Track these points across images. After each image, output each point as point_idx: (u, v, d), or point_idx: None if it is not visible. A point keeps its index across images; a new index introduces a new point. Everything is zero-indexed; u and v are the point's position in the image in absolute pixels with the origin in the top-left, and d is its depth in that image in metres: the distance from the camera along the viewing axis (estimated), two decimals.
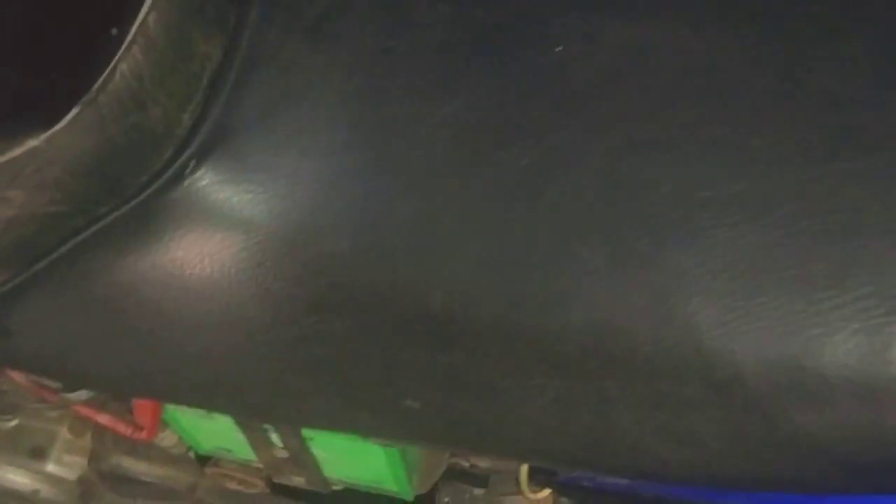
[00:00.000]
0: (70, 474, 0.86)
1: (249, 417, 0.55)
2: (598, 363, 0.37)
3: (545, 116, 0.39)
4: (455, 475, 0.81)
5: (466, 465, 0.74)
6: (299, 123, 0.41)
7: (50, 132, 0.43)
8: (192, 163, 0.43)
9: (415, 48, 0.42)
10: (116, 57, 0.43)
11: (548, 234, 0.37)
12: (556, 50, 0.39)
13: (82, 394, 0.65)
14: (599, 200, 0.37)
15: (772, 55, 0.38)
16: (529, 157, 0.38)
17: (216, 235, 0.42)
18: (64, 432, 0.85)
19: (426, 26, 0.42)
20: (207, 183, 0.42)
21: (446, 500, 0.83)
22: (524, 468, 0.57)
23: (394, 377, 0.42)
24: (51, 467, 0.85)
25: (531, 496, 0.60)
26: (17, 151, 0.44)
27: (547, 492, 0.61)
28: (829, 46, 0.37)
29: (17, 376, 0.64)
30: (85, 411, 0.69)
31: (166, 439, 0.75)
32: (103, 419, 0.68)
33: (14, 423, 0.85)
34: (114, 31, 0.44)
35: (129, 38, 0.44)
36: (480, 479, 0.81)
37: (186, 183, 0.42)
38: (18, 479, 0.86)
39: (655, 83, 0.38)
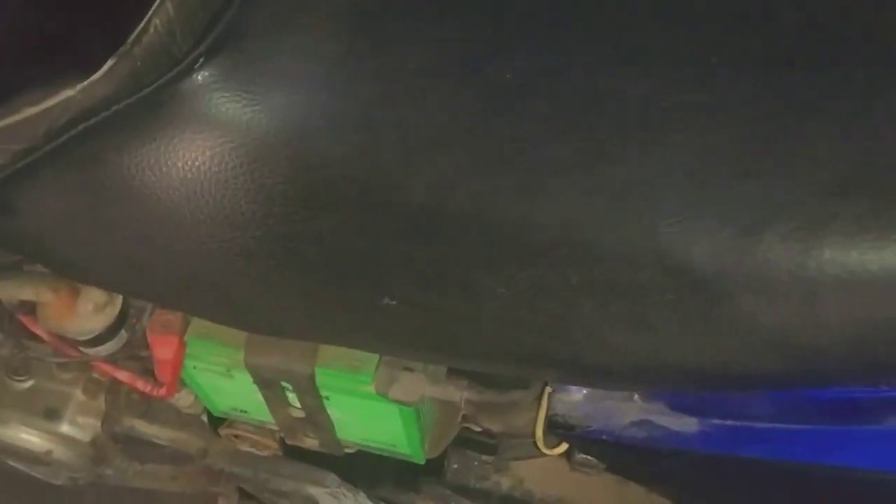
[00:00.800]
0: (84, 436, 0.87)
1: (233, 322, 0.56)
2: (564, 252, 0.41)
3: (533, 35, 0.43)
4: (464, 442, 0.82)
5: (478, 429, 0.75)
6: (304, 33, 0.44)
7: (86, 82, 0.44)
8: (202, 59, 0.44)
9: None
10: (151, 11, 0.44)
11: (525, 137, 0.41)
12: None
13: (102, 349, 0.66)
14: (575, 108, 0.41)
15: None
16: (515, 70, 0.42)
17: (217, 130, 0.44)
18: (78, 394, 0.86)
19: None
20: (213, 80, 0.44)
21: (455, 466, 0.84)
22: (540, 422, 0.58)
23: (374, 274, 0.45)
24: (65, 428, 0.86)
25: (547, 451, 0.61)
26: (53, 101, 0.45)
27: (563, 447, 0.62)
28: None
29: (41, 332, 0.65)
30: (104, 367, 0.70)
31: (182, 399, 0.76)
32: (122, 376, 0.69)
33: (29, 383, 0.86)
34: None
35: None
36: (489, 447, 0.82)
37: (194, 77, 0.44)
38: (32, 438, 0.87)
39: (631, 5, 0.43)
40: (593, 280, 0.41)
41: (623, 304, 0.41)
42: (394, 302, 0.46)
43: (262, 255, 0.46)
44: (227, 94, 0.43)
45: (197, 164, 0.44)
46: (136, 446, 0.90)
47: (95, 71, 0.44)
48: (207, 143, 0.44)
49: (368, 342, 0.55)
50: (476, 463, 0.83)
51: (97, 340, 0.64)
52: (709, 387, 0.49)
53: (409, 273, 0.44)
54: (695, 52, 0.41)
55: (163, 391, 0.67)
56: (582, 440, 0.55)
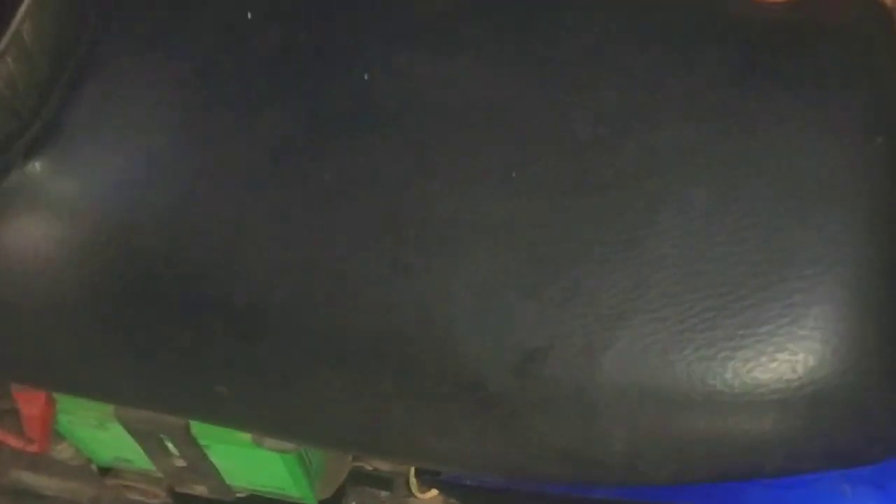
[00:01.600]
0: None
1: (75, 393, 0.56)
2: (375, 361, 0.42)
3: (350, 137, 0.44)
4: (360, 479, 0.81)
5: (370, 468, 0.74)
6: (127, 125, 0.45)
7: None
8: (21, 155, 0.44)
9: (241, 64, 0.46)
10: None
11: (342, 244, 0.42)
12: (364, 77, 0.44)
13: None
14: (385, 218, 0.42)
15: (540, 100, 0.43)
16: (332, 172, 0.43)
17: (43, 224, 0.45)
18: None
19: (254, 45, 0.46)
20: (36, 174, 0.45)
21: (353, 503, 0.83)
22: (411, 470, 0.58)
23: (204, 364, 0.46)
24: None
25: (420, 496, 0.61)
26: None
27: (434, 492, 0.61)
28: (585, 96, 0.43)
29: None
30: None
31: (64, 452, 0.73)
32: None
33: None
34: None
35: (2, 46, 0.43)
36: (385, 482, 0.81)
37: (16, 173, 0.44)
38: None
39: (444, 114, 0.44)
40: (402, 388, 0.42)
41: (429, 412, 0.43)
42: (225, 390, 0.47)
43: (94, 339, 0.46)
44: (50, 190, 0.44)
45: (25, 256, 0.45)
46: (26, 498, 0.87)
47: None
48: (34, 237, 0.44)
49: (211, 420, 0.55)
50: (374, 500, 0.83)
51: None
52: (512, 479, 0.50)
53: (236, 366, 0.45)
54: (496, 167, 0.42)
55: (34, 447, 0.65)
56: (449, 486, 0.55)
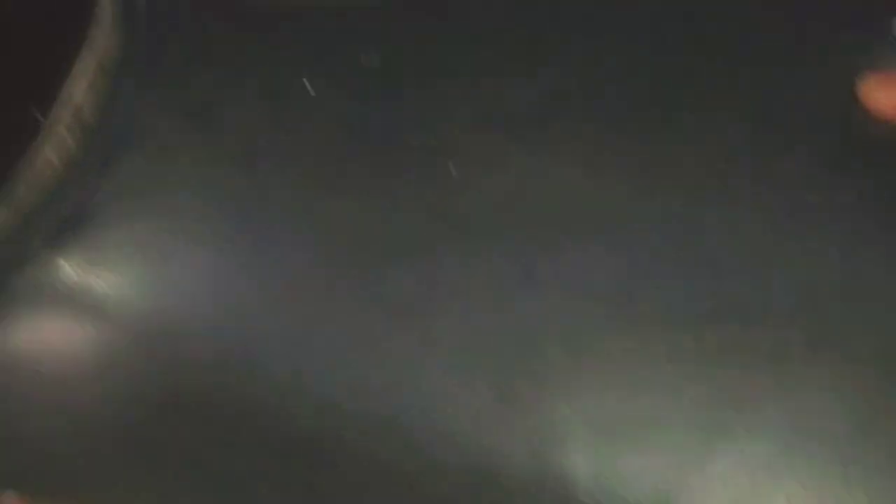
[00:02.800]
0: None
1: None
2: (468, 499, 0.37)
3: (432, 236, 0.38)
4: None
5: None
6: (170, 213, 0.40)
7: None
8: (44, 247, 0.40)
9: (299, 144, 0.40)
10: (39, 145, 0.40)
11: (434, 368, 0.37)
12: (450, 169, 0.38)
13: None
14: (487, 339, 0.37)
15: (664, 210, 0.37)
16: (416, 277, 0.38)
17: (63, 324, 0.40)
18: None
19: (311, 124, 0.40)
20: (58, 268, 0.40)
21: None
22: None
23: (248, 485, 0.41)
24: None
25: None
26: None
27: None
28: (720, 210, 0.37)
29: None
30: None
31: None
32: None
33: None
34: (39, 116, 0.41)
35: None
36: None
37: (41, 260, 0.39)
38: None
39: (546, 219, 0.38)
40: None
41: None
42: None
43: (117, 459, 0.42)
44: (71, 287, 0.39)
45: (41, 359, 0.39)
46: None
47: None
48: (51, 339, 0.39)
49: None
50: None
51: None
52: None
53: (286, 490, 0.40)
54: (616, 288, 0.37)
55: None
56: None
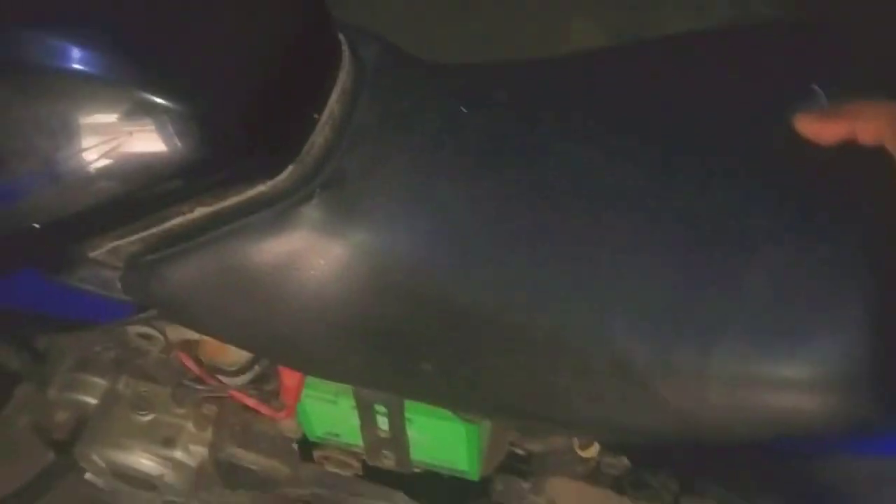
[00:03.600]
0: (192, 461, 1.06)
1: (322, 376, 0.78)
2: (551, 349, 0.63)
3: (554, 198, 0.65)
4: (507, 468, 1.01)
5: (521, 453, 0.94)
6: (393, 184, 0.65)
7: (275, 180, 0.65)
8: (317, 190, 0.64)
9: (464, 145, 0.67)
10: (316, 131, 0.66)
11: (543, 276, 0.64)
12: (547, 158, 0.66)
13: (238, 380, 0.85)
14: (578, 253, 0.64)
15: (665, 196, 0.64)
16: (543, 222, 0.64)
17: (326, 246, 0.64)
18: (190, 426, 1.05)
19: (470, 133, 0.67)
20: (325, 206, 0.64)
21: (499, 488, 1.02)
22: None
23: (420, 348, 0.66)
24: (178, 454, 1.05)
25: (581, 454, 0.79)
26: (250, 192, 0.66)
27: (595, 448, 0.80)
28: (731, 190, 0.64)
29: (193, 365, 0.85)
30: (237, 395, 0.89)
31: (287, 425, 0.95)
32: (251, 402, 0.88)
33: (149, 417, 1.05)
34: (315, 115, 0.66)
35: (323, 119, 0.66)
36: (528, 472, 1.01)
37: (313, 202, 0.64)
38: (149, 463, 1.06)
39: (605, 195, 0.65)
40: (567, 367, 0.63)
41: (584, 385, 0.63)
42: (430, 367, 0.67)
43: (352, 340, 0.68)
44: (334, 219, 0.64)
45: (314, 268, 0.65)
46: (235, 472, 1.08)
47: (280, 171, 0.65)
48: (323, 255, 0.65)
49: (407, 393, 0.77)
50: (516, 485, 1.02)
51: (239, 371, 0.84)
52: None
53: (444, 349, 0.66)
54: (642, 230, 0.63)
55: (282, 414, 0.87)
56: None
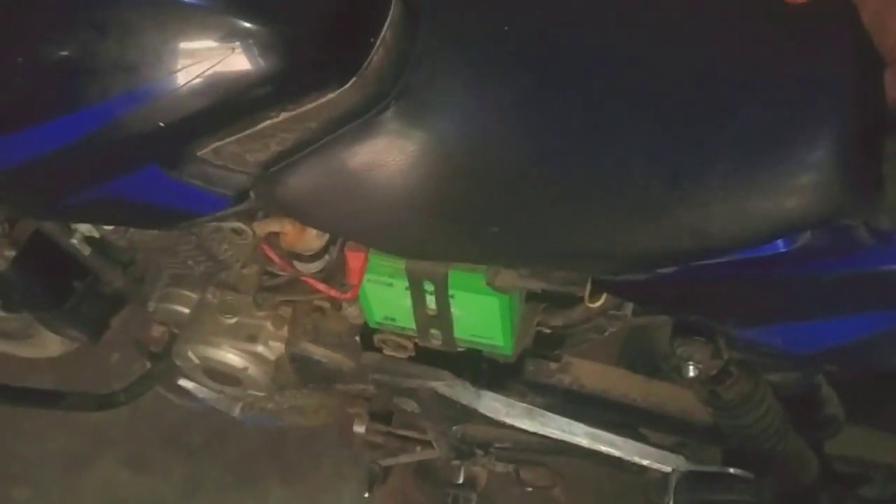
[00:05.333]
0: (272, 355, 1.26)
1: (407, 254, 0.96)
2: (594, 195, 0.81)
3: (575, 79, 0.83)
4: (535, 352, 1.19)
5: (548, 331, 1.11)
6: (450, 89, 0.83)
7: (341, 89, 0.83)
8: (393, 101, 0.83)
9: (507, 55, 0.85)
10: (373, 51, 0.84)
11: (575, 135, 0.82)
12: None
13: (313, 266, 1.04)
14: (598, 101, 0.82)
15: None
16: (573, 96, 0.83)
17: (405, 144, 0.83)
18: (268, 325, 1.25)
19: (510, 44, 0.86)
20: (400, 113, 0.83)
21: (530, 367, 1.21)
22: (589, 283, 0.94)
23: (489, 214, 0.84)
24: (259, 349, 1.25)
25: (591, 305, 0.96)
26: (322, 100, 0.84)
27: (602, 298, 0.97)
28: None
29: (275, 255, 1.04)
30: (311, 280, 1.07)
31: (351, 311, 1.14)
32: (321, 286, 1.07)
33: (234, 320, 1.25)
34: (371, 39, 0.85)
35: (378, 42, 0.84)
36: (554, 355, 1.20)
37: (390, 111, 0.83)
38: (235, 358, 1.26)
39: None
40: (606, 203, 0.81)
41: (617, 217, 0.81)
42: (497, 229, 0.85)
43: (427, 212, 0.86)
44: (410, 123, 0.83)
45: (397, 163, 0.83)
46: (307, 365, 1.27)
47: (346, 83, 0.83)
48: (403, 152, 0.83)
49: (477, 257, 0.95)
50: (545, 366, 1.20)
51: (315, 257, 1.02)
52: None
53: (510, 212, 0.84)
54: (639, 84, 0.81)
55: (348, 294, 1.05)
56: (618, 289, 0.92)
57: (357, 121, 0.83)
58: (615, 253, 0.83)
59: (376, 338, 1.16)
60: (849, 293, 0.79)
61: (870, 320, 0.80)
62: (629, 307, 1.01)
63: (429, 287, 1.02)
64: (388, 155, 0.83)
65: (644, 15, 0.85)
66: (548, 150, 0.81)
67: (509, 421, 1.16)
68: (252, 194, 0.89)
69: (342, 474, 1.83)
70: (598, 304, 0.93)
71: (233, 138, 0.86)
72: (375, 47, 0.84)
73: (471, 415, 1.17)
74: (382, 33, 0.85)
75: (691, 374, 0.91)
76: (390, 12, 0.85)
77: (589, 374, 1.20)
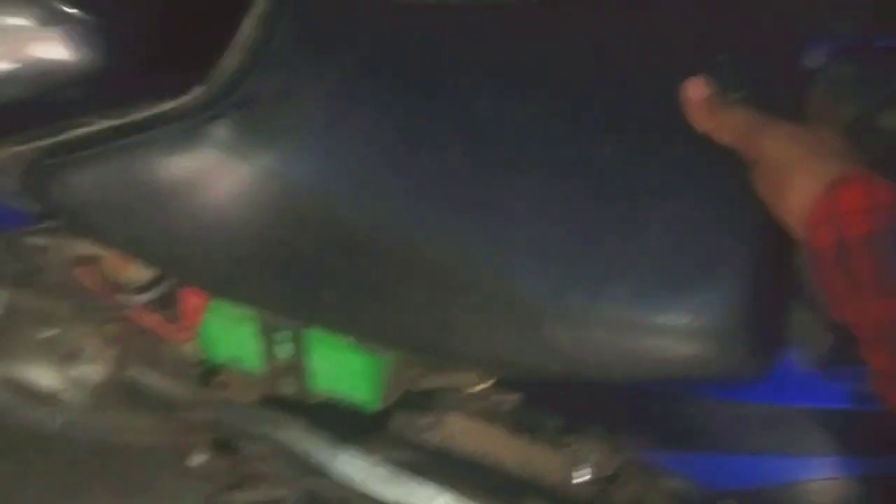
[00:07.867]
0: (93, 379, 1.06)
1: (216, 293, 0.80)
2: (446, 280, 0.65)
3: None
4: (405, 403, 1.03)
5: (423, 388, 0.95)
6: (303, 108, 0.67)
7: (179, 99, 0.65)
8: (227, 110, 0.65)
9: (380, 78, 0.68)
10: (226, 54, 0.66)
11: (443, 212, 0.66)
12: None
13: (141, 298, 0.85)
14: (471, 195, 0.66)
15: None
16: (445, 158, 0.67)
17: (234, 164, 0.66)
18: (92, 343, 1.05)
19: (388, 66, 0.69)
20: (235, 125, 0.65)
21: (399, 421, 1.05)
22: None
23: (321, 275, 0.68)
24: (79, 371, 1.05)
25: (474, 389, 0.81)
26: (157, 110, 0.65)
27: (489, 382, 0.82)
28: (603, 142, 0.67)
29: (93, 282, 0.84)
30: (139, 313, 0.88)
31: (189, 349, 0.95)
32: (152, 321, 0.88)
33: (52, 332, 1.04)
34: (224, 37, 0.66)
35: (235, 42, 0.66)
36: (425, 408, 1.03)
37: (223, 120, 0.65)
38: (47, 381, 1.06)
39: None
40: (466, 302, 0.66)
41: (480, 320, 0.66)
42: (332, 295, 0.70)
43: (253, 262, 0.69)
44: (239, 138, 0.65)
45: (220, 184, 0.66)
46: (135, 393, 1.08)
47: (186, 92, 0.65)
48: (230, 173, 0.66)
49: (306, 318, 0.79)
50: (414, 420, 1.04)
51: (141, 290, 0.83)
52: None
53: (345, 277, 0.68)
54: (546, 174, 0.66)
55: (183, 335, 0.87)
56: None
57: (179, 123, 0.65)
58: (471, 355, 0.70)
59: (218, 379, 0.98)
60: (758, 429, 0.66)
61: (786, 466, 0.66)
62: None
63: (284, 335, 0.84)
64: (210, 175, 0.66)
65: (558, 69, 0.70)
66: (413, 214, 0.65)
67: (367, 488, 1.00)
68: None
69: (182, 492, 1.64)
70: (483, 388, 0.78)
71: (36, 144, 0.66)
72: (232, 48, 0.66)
73: (324, 474, 1.01)
74: (242, 29, 0.66)
75: (586, 477, 0.77)
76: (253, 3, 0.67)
77: (463, 431, 1.04)
